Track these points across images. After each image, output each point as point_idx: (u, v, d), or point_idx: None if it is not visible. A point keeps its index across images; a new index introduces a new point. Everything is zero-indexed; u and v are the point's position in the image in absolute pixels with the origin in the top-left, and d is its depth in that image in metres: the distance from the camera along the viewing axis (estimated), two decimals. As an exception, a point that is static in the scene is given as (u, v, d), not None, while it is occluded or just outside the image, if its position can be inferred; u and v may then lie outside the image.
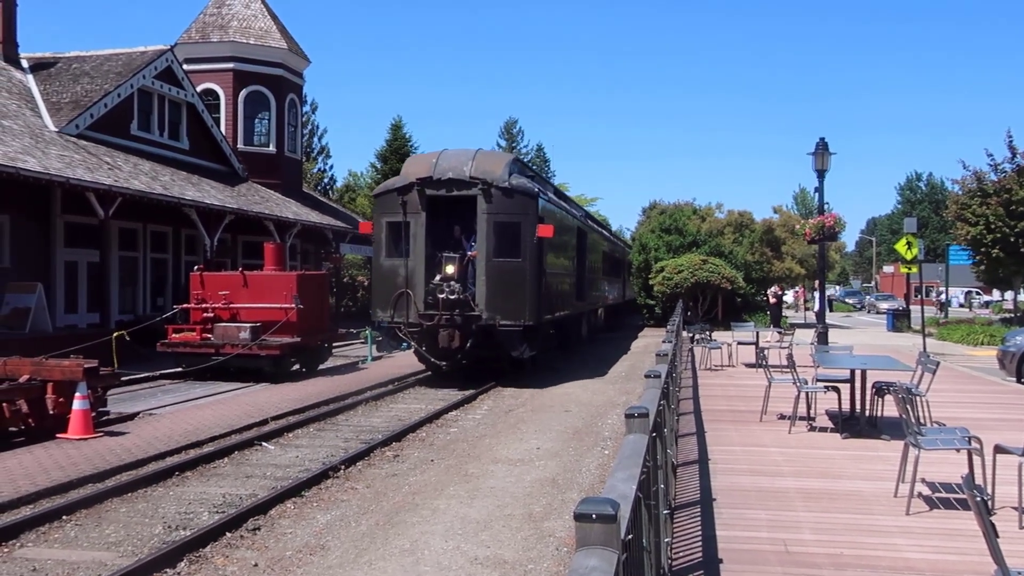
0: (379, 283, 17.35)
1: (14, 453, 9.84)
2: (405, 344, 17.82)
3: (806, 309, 49.55)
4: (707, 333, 20.63)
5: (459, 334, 16.05)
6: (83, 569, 6.25)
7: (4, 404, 10.36)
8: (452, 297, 15.98)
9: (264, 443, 10.95)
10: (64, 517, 7.46)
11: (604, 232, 32.29)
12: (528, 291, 16.38)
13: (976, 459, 6.78)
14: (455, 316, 16.05)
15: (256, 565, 6.41)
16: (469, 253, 16.96)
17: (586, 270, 24.11)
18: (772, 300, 32.92)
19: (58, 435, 10.67)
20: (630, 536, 2.61)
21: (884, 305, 46.38)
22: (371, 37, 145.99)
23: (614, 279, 33.94)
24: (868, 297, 64.71)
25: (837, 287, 78.19)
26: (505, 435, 11.73)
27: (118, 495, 8.23)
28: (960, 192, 32.03)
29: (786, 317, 38.27)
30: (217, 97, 29.19)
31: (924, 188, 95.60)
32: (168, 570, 6.21)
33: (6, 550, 6.64)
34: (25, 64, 24.13)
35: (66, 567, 6.29)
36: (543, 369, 19.12)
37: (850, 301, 65.89)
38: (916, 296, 41.97)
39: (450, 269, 16.19)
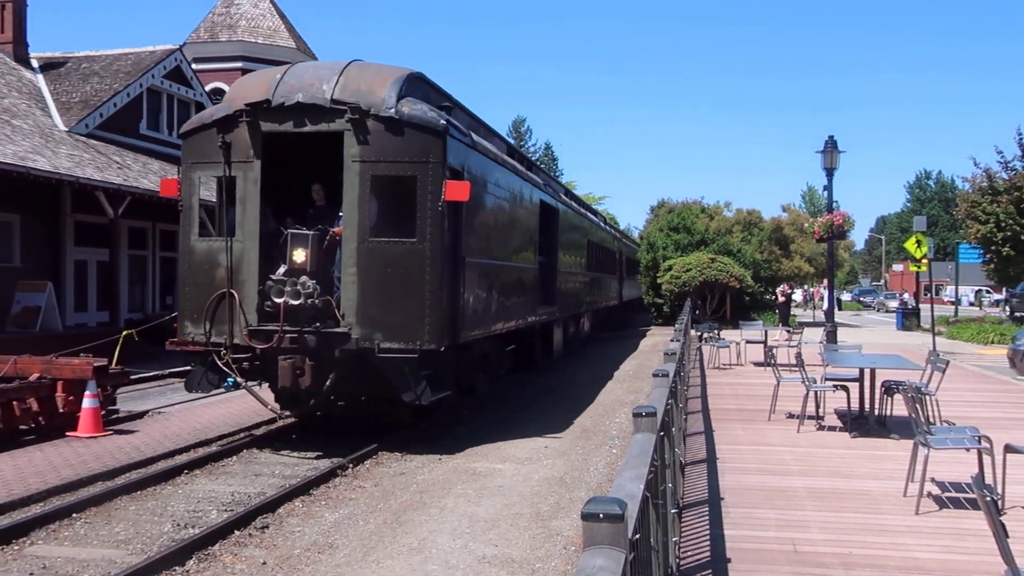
0: (189, 279, 10.83)
1: (25, 451, 9.90)
2: (230, 380, 10.93)
3: (814, 308, 49.45)
4: (715, 332, 20.60)
5: (312, 365, 9.92)
6: (92, 567, 6.28)
7: (15, 403, 10.43)
8: (299, 303, 9.80)
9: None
10: (74, 515, 7.50)
11: (591, 217, 25.86)
12: (430, 292, 9.99)
13: (986, 458, 6.76)
14: (306, 335, 9.93)
15: (264, 563, 6.42)
16: (333, 229, 10.59)
17: (558, 263, 17.84)
18: (781, 299, 32.87)
19: (68, 433, 10.73)
20: (638, 535, 2.61)
21: (893, 304, 46.16)
22: (378, 36, 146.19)
23: (608, 277, 28.45)
24: (879, 296, 64.33)
25: (846, 292, 77.52)
26: (513, 434, 11.72)
27: (127, 493, 8.26)
28: (970, 190, 31.88)
29: (795, 316, 38.17)
30: (226, 96, 29.29)
31: (934, 186, 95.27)
32: (177, 568, 6.23)
33: (16, 547, 6.67)
34: (35, 64, 24.21)
35: (76, 565, 6.32)
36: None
37: (865, 300, 65.36)
38: (925, 295, 41.77)
39: (300, 256, 10.02)
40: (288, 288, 9.90)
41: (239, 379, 10.54)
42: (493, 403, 14.22)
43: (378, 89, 10.28)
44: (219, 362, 10.47)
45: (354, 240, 10.15)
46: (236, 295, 10.36)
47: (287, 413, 11.16)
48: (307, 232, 10.25)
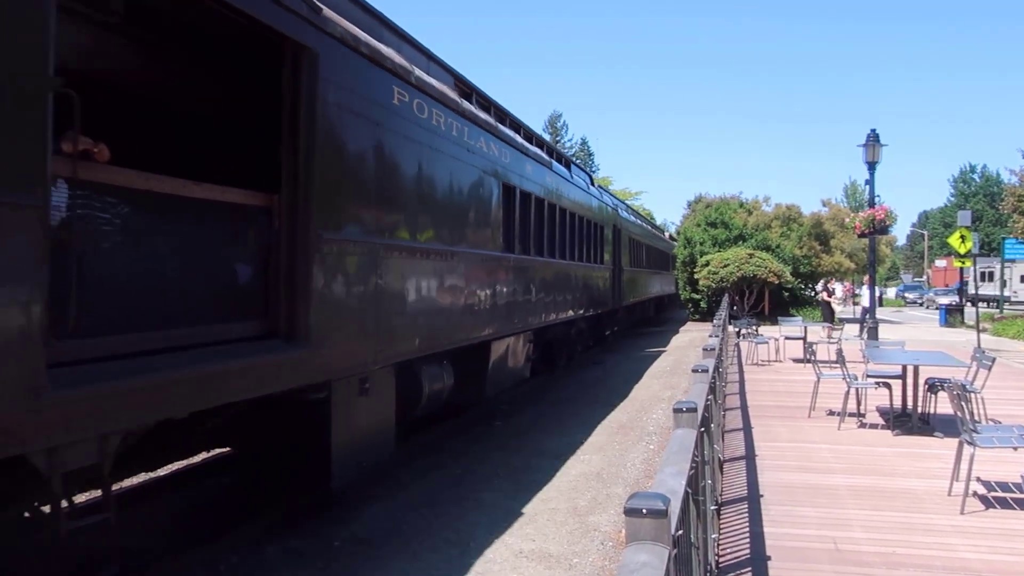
0: None
1: None
2: None
3: (854, 304, 48.68)
4: (753, 328, 20.40)
5: None
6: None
7: None
8: None
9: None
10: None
11: (522, 144, 12.60)
12: None
13: (1034, 458, 6.61)
14: None
15: (301, 554, 6.49)
16: None
17: (346, 218, 6.64)
18: (827, 296, 31.78)
19: None
20: (680, 532, 2.60)
21: (944, 300, 45.24)
22: (412, 30, 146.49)
23: (583, 269, 16.75)
24: (928, 292, 62.06)
25: (887, 288, 75.63)
26: (549, 428, 11.72)
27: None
28: (1018, 183, 31.15)
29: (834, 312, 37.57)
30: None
31: (978, 180, 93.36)
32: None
33: None
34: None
35: None
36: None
37: (910, 296, 63.07)
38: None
39: None
40: None
41: None
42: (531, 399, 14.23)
43: None
44: None
45: None
46: None
47: None
48: None
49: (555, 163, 15.01)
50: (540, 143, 14.62)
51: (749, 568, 5.32)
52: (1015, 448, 6.87)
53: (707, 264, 33.79)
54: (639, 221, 30.08)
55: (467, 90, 10.51)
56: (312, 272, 6.08)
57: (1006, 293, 43.64)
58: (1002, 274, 43.64)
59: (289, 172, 6.00)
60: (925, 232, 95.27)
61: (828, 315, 28.81)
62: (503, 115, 12.19)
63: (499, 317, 10.89)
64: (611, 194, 25.65)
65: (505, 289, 11.15)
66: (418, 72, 8.15)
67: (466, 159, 9.60)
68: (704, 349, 7.62)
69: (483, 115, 10.55)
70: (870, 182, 20.87)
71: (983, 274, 46.35)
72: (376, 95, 7.16)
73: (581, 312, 16.82)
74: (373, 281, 7.05)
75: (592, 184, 20.11)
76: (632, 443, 10.75)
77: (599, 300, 18.87)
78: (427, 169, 8.34)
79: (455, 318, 9.20)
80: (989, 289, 45.48)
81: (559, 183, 14.84)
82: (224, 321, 5.54)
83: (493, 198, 10.67)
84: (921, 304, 57.29)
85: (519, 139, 12.48)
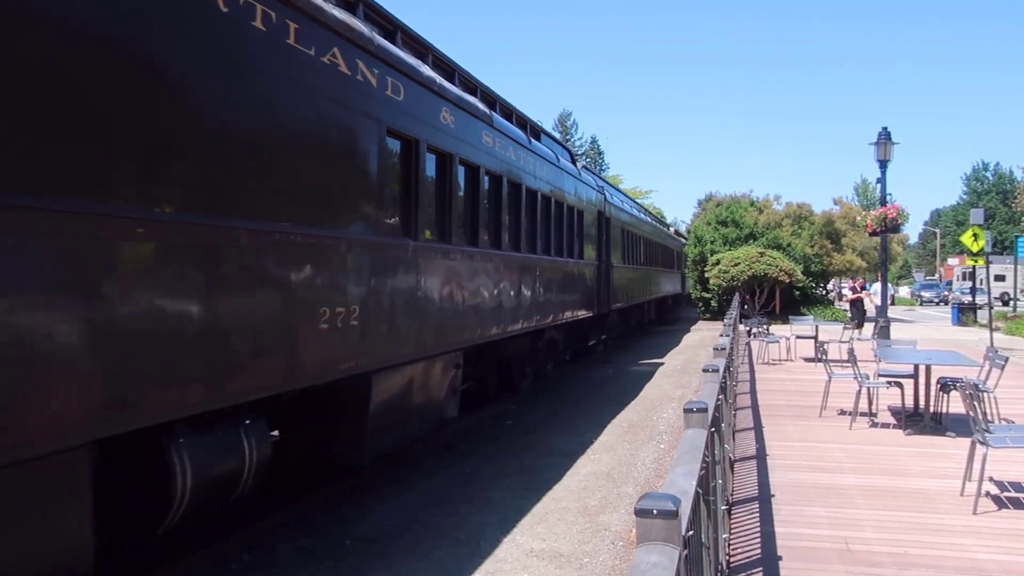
0: None
1: None
2: None
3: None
4: (764, 327, 20.35)
5: None
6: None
7: None
8: None
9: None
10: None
11: (496, 117, 10.63)
12: None
13: (1048, 458, 6.57)
14: None
15: (312, 552, 6.51)
16: None
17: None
18: (852, 296, 30.41)
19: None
20: (690, 532, 2.60)
21: (967, 297, 44.96)
22: (423, 29, 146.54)
23: (566, 265, 14.12)
24: (954, 291, 60.37)
25: (897, 285, 74.88)
26: (559, 428, 11.72)
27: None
28: (1030, 182, 30.97)
29: (845, 311, 37.41)
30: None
31: (991, 178, 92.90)
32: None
33: None
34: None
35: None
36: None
37: (927, 294, 61.77)
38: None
39: None
40: None
41: None
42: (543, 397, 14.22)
43: None
44: None
45: None
46: None
47: None
48: None
49: (498, 118, 10.95)
50: (491, 100, 11.14)
51: (760, 568, 5.31)
52: (1028, 448, 6.84)
53: (718, 263, 33.74)
54: (637, 212, 25.97)
55: None
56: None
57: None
58: (1015, 273, 43.37)
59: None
60: (937, 230, 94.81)
61: (858, 315, 27.78)
62: (422, 47, 8.76)
63: (390, 336, 7.21)
64: (596, 175, 21.15)
65: (403, 294, 7.50)
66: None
67: (308, 81, 5.84)
68: (715, 348, 7.60)
69: (344, 16, 6.46)
70: (882, 180, 20.79)
71: (964, 273, 46.89)
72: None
73: (550, 320, 13.17)
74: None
75: (572, 161, 16.32)
76: (643, 442, 10.74)
77: (579, 303, 15.38)
78: (202, 85, 4.81)
79: (274, 345, 5.45)
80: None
81: (507, 146, 10.93)
82: None
83: (368, 152, 6.84)
84: (939, 302, 56.60)
85: (427, 71, 8.19)
